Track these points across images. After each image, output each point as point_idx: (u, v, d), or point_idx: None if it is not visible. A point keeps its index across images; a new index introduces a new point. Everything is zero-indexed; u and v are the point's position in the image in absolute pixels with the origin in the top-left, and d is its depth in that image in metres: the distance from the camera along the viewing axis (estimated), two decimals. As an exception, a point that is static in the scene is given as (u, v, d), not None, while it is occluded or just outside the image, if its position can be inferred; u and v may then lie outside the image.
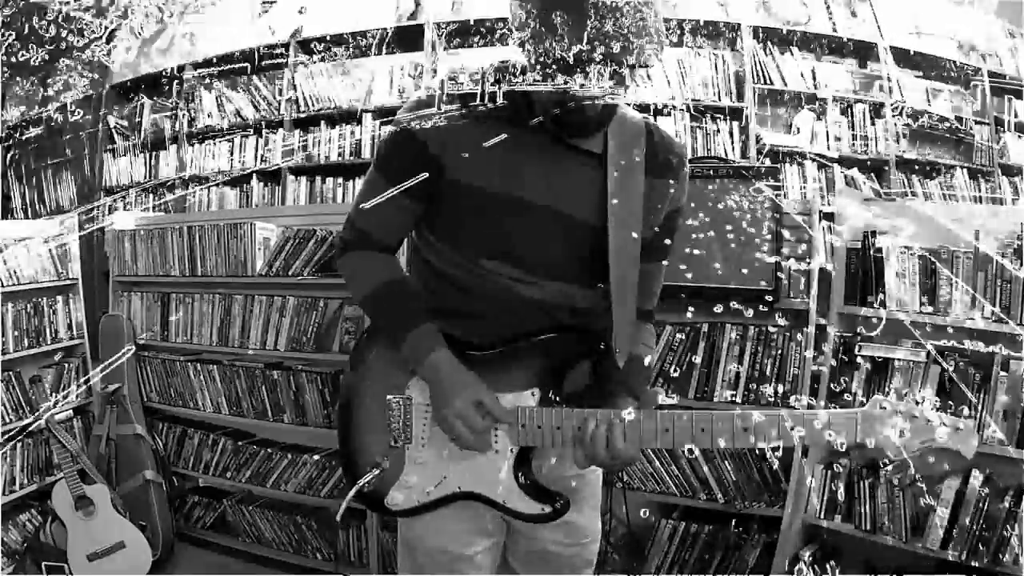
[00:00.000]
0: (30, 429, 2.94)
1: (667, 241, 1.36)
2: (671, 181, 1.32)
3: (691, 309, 2.41)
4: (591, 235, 1.25)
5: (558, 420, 1.22)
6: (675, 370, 2.40)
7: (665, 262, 1.39)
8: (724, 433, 1.16)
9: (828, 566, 2.28)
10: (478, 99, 1.24)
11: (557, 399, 1.26)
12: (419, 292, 1.31)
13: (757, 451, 2.31)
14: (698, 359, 2.39)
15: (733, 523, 2.40)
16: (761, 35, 3.83)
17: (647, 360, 1.36)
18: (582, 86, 1.12)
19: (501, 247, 1.24)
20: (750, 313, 2.34)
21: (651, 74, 3.79)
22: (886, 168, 3.81)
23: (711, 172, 2.29)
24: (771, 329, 2.33)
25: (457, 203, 1.23)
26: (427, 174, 1.22)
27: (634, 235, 1.27)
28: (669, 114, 3.77)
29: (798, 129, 3.83)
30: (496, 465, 1.26)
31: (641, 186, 1.27)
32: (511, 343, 1.26)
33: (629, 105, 1.30)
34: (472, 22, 3.99)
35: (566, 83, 1.12)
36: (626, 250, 1.26)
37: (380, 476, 1.30)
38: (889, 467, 2.16)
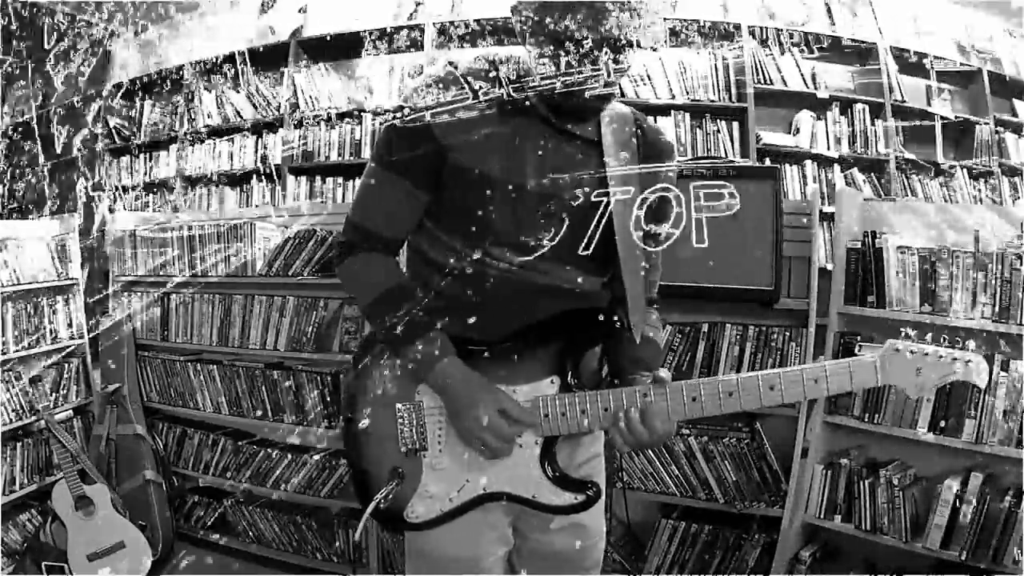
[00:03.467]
0: (29, 429, 2.95)
1: (662, 227, 1.37)
2: (661, 168, 1.34)
3: (691, 309, 2.42)
4: (594, 219, 1.26)
5: (583, 404, 1.21)
6: (675, 370, 2.40)
7: (660, 248, 1.40)
8: (750, 395, 1.16)
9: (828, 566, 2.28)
10: (476, 90, 1.24)
11: (576, 383, 1.24)
12: (423, 298, 1.29)
13: (756, 453, 2.32)
14: (698, 359, 2.39)
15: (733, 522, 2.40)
16: (761, 35, 3.82)
17: (659, 341, 1.37)
18: (580, 72, 1.13)
19: (507, 234, 1.23)
20: (750, 313, 2.35)
21: (651, 74, 3.79)
22: (886, 168, 3.81)
23: (711, 172, 2.29)
24: (771, 329, 2.33)
25: (461, 190, 1.23)
26: (432, 158, 1.21)
27: (635, 216, 1.28)
28: (669, 114, 3.77)
29: (798, 129, 3.83)
30: (522, 460, 1.24)
31: (636, 171, 1.29)
32: (523, 332, 1.24)
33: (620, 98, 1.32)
34: (471, 22, 3.99)
35: (567, 67, 1.13)
36: (630, 231, 1.27)
37: (397, 489, 1.25)
38: (889, 467, 2.16)
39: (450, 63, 1.22)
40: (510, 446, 1.22)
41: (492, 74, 1.23)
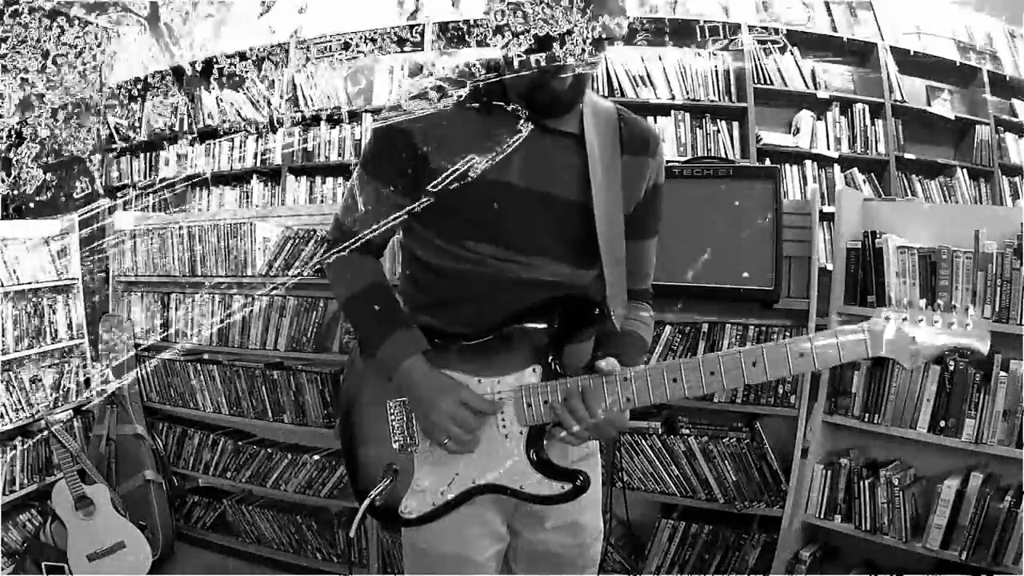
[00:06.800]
0: (29, 429, 2.95)
1: (652, 218, 1.38)
2: (647, 158, 1.34)
3: (691, 309, 2.41)
4: (576, 212, 1.27)
5: (564, 392, 1.21)
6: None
7: (654, 240, 1.41)
8: (733, 372, 1.14)
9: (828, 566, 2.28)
10: (458, 92, 1.25)
11: (558, 369, 1.24)
12: (396, 298, 1.31)
13: (756, 453, 2.32)
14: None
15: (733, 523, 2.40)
16: (761, 35, 3.82)
17: (643, 335, 1.36)
18: (555, 63, 1.14)
19: (489, 231, 1.25)
20: (750, 313, 2.35)
21: (651, 74, 3.79)
22: (886, 168, 3.81)
23: (711, 172, 2.28)
24: (771, 329, 2.33)
25: (443, 191, 1.24)
26: (413, 163, 1.23)
27: (618, 208, 1.29)
28: (669, 114, 3.77)
29: (798, 129, 3.83)
30: (508, 450, 1.24)
31: (619, 163, 1.30)
32: (507, 323, 1.25)
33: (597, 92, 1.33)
34: (472, 22, 3.99)
35: (537, 62, 1.14)
36: (612, 222, 1.28)
37: (391, 486, 1.26)
38: (889, 467, 2.16)
39: (429, 73, 1.24)
40: (473, 439, 1.22)
41: (469, 79, 1.24)
